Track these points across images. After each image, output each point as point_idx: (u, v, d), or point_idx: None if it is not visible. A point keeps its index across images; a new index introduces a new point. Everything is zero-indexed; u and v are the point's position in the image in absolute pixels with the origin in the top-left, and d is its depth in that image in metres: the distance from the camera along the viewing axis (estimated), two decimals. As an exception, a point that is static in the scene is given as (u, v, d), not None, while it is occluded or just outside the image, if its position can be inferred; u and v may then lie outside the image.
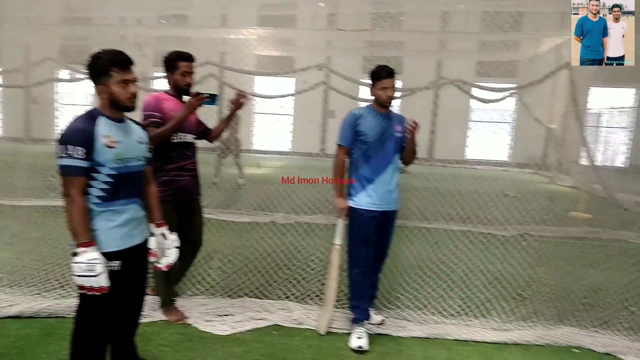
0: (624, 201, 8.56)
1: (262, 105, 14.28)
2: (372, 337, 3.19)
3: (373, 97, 3.22)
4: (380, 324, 3.41)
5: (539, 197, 5.47)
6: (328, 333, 3.26)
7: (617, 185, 9.44)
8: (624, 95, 14.96)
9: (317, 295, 3.74)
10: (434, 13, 11.37)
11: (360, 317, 3.20)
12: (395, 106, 3.48)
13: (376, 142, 3.15)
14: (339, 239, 3.35)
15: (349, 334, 3.18)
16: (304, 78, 6.89)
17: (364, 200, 3.16)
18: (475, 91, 9.12)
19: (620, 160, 14.92)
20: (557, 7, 9.16)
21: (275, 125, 17.06)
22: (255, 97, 8.07)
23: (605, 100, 14.19)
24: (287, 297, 3.76)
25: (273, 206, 6.28)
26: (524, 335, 3.34)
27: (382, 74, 3.12)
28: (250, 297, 3.75)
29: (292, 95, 8.25)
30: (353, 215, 3.20)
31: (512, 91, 8.61)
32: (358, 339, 3.08)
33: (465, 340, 3.27)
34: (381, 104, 3.18)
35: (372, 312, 3.40)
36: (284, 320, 3.38)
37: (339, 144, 3.25)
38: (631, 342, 3.34)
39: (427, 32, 11.65)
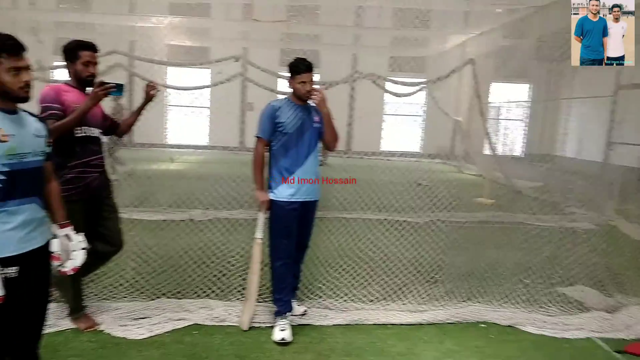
0: (520, 187, 9.40)
1: (176, 97, 13.71)
2: (295, 328, 3.21)
3: (291, 90, 3.22)
4: (302, 314, 3.44)
5: (449, 186, 5.81)
6: (251, 328, 3.23)
7: (515, 173, 10.35)
8: (520, 90, 16.35)
9: (239, 291, 3.68)
10: (349, 7, 11.59)
11: (283, 309, 3.20)
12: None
13: (295, 134, 3.15)
14: (259, 233, 3.32)
15: (272, 327, 3.18)
16: (219, 69, 6.71)
17: (285, 192, 3.15)
18: (388, 85, 9.47)
19: (517, 150, 16.32)
20: (461, 7, 9.75)
21: (190, 118, 16.46)
22: (167, 89, 7.72)
23: (504, 94, 15.46)
24: (207, 295, 3.66)
25: (190, 202, 6.07)
26: (437, 315, 3.55)
27: (300, 68, 3.12)
28: (168, 297, 3.60)
29: (207, 87, 7.98)
30: (274, 208, 3.19)
31: (422, 85, 9.07)
32: (281, 332, 3.08)
33: (384, 324, 3.41)
34: (299, 98, 3.19)
35: (294, 304, 3.42)
36: (205, 319, 3.30)
37: (257, 136, 3.21)
38: (529, 313, 3.69)
39: (342, 26, 11.87)
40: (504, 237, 5.26)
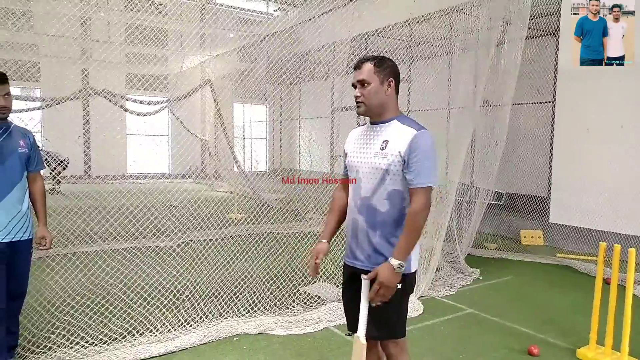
0: (267, 199, 10.08)
1: None
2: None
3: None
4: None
5: (202, 204, 5.78)
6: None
7: (262, 187, 11.08)
8: (259, 111, 17.57)
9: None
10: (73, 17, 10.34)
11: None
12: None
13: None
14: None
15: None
16: None
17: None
18: (128, 104, 8.89)
19: (261, 166, 17.52)
20: (194, 28, 9.87)
21: None
22: None
23: (247, 114, 16.40)
24: None
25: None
26: (189, 339, 3.42)
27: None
28: None
29: None
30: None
31: (163, 105, 8.82)
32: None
33: (132, 362, 3.09)
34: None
35: (12, 366, 2.79)
36: None
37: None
38: (276, 316, 3.91)
39: (67, 37, 10.55)
40: (258, 247, 5.44)
